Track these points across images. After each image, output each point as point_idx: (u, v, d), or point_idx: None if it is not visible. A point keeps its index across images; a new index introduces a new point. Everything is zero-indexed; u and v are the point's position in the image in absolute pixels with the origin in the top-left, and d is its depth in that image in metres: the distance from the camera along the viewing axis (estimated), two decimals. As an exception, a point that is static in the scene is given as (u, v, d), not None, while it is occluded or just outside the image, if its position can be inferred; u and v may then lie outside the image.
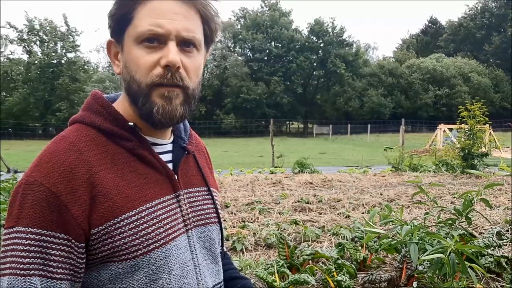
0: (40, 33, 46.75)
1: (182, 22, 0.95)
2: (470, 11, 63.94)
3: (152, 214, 0.98)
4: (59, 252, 0.89)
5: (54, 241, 0.89)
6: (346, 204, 6.58)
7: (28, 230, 0.88)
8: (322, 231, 4.76)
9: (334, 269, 3.14)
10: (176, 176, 1.07)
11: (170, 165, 1.08)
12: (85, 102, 1.07)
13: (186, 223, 1.06)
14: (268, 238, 4.41)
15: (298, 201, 6.75)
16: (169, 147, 1.11)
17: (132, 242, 0.94)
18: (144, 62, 0.95)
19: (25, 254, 0.87)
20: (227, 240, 4.38)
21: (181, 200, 1.06)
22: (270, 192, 7.96)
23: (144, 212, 0.97)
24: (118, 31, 0.99)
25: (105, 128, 1.00)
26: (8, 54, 47.99)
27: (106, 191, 0.94)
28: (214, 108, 47.29)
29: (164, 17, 0.94)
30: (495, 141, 15.58)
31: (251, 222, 5.32)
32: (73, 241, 0.90)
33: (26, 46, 46.84)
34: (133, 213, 0.95)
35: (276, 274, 3.09)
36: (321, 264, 3.49)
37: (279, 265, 3.19)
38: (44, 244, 0.88)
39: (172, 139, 1.13)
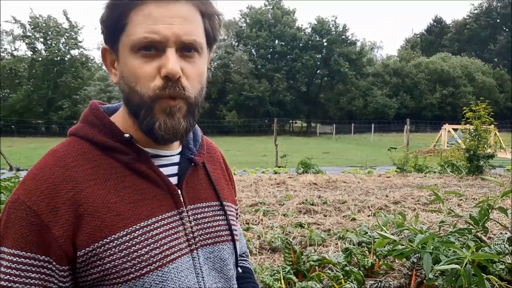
0: (44, 30, 46.80)
1: (181, 26, 0.86)
2: (476, 10, 63.74)
3: (147, 234, 0.90)
4: (39, 275, 0.84)
5: (34, 263, 0.84)
6: (352, 206, 6.50)
7: (10, 251, 0.84)
8: (328, 235, 4.68)
9: (341, 276, 3.06)
10: (180, 190, 0.98)
11: (175, 179, 0.99)
12: (82, 114, 0.99)
13: (191, 242, 0.97)
14: (273, 242, 4.34)
15: (303, 203, 6.68)
16: (176, 158, 1.02)
17: (123, 265, 0.86)
18: (142, 72, 0.87)
19: (6, 277, 0.83)
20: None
21: (184, 217, 0.97)
22: (274, 193, 7.89)
23: (137, 232, 0.89)
24: (112, 38, 0.91)
25: (98, 141, 0.93)
26: (12, 50, 48.25)
27: (93, 209, 0.86)
28: (218, 103, 47.32)
29: (160, 22, 0.85)
30: (500, 142, 15.49)
31: (255, 225, 5.24)
32: (54, 263, 0.84)
33: (30, 43, 46.92)
34: (125, 232, 0.87)
35: (282, 281, 3.02)
36: (328, 270, 3.42)
37: (285, 271, 3.12)
38: (24, 267, 0.83)
39: (180, 149, 1.04)
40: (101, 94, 40.89)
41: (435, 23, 71.24)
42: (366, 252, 3.76)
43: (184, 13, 0.87)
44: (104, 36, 0.93)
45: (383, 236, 2.48)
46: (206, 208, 1.03)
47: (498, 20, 60.52)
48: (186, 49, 0.88)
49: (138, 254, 0.87)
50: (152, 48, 0.86)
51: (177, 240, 0.94)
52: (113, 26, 0.89)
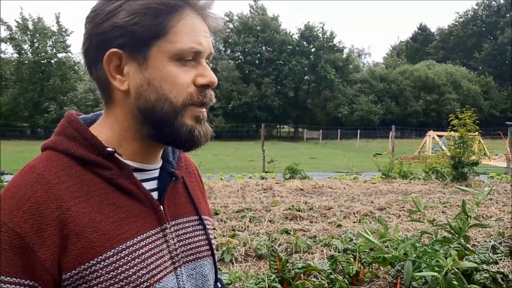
0: (31, 32, 46.36)
1: (210, 40, 0.93)
2: (461, 19, 64.65)
3: (134, 253, 0.87)
4: None
5: None
6: (337, 212, 6.52)
7: None
8: (314, 241, 4.69)
9: (326, 284, 3.07)
10: (162, 206, 0.96)
11: (155, 194, 0.97)
12: (58, 125, 0.95)
13: (174, 260, 0.95)
14: (258, 249, 4.32)
15: (289, 209, 6.68)
16: (157, 173, 1.00)
17: (111, 287, 0.83)
18: (181, 80, 0.88)
19: None
20: (217, 250, 4.27)
21: (167, 234, 0.95)
22: (261, 198, 7.88)
23: (124, 252, 0.86)
24: (140, 43, 0.87)
25: (80, 156, 0.89)
26: (-1, 53, 47.64)
27: (80, 230, 0.82)
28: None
29: (201, 34, 0.90)
30: (485, 149, 15.67)
31: (241, 231, 5.22)
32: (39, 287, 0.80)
33: (17, 45, 46.42)
34: (111, 253, 0.84)
35: (267, 289, 3.01)
36: (313, 277, 3.42)
37: (270, 279, 3.10)
38: None
39: (161, 163, 1.02)
40: (88, 93, 40.52)
41: (419, 31, 72.09)
42: (351, 259, 3.76)
43: (208, 29, 0.93)
44: (123, 40, 0.87)
45: (367, 239, 2.49)
46: (187, 224, 1.02)
47: (483, 28, 61.40)
48: (208, 61, 0.95)
49: (126, 275, 0.85)
50: (193, 59, 0.89)
51: (162, 259, 0.92)
52: (149, 31, 0.86)
